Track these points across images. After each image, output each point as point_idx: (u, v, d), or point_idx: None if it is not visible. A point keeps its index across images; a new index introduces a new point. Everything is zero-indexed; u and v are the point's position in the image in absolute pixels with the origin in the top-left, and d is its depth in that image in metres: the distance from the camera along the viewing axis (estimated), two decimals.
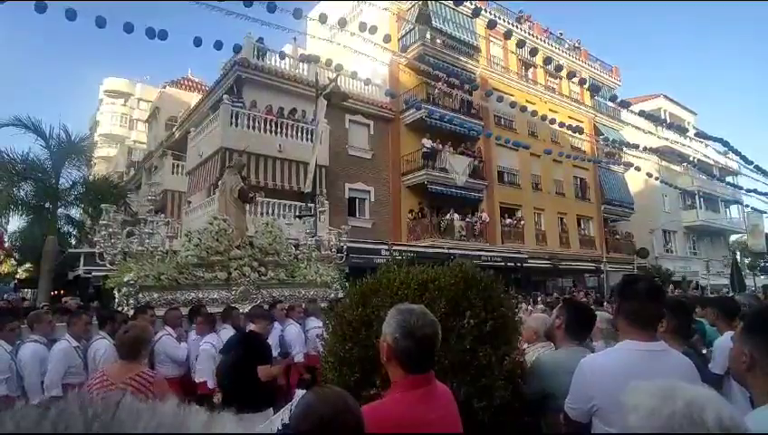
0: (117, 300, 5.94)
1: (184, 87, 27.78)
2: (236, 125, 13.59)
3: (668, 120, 19.78)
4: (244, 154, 7.86)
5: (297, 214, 12.00)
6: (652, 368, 1.71)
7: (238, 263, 6.34)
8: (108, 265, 6.25)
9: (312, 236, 8.07)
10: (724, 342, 2.86)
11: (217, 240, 6.19)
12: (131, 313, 5.30)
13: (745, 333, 1.47)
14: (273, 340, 5.55)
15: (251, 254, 6.49)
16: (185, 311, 5.58)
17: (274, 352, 5.50)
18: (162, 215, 9.68)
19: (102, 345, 4.37)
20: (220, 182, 7.28)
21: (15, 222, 18.50)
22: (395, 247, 14.34)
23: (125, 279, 5.59)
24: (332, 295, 6.48)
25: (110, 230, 6.43)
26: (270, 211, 12.99)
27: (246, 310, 5.87)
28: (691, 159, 22.26)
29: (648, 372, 1.64)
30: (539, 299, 12.90)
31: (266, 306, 6.08)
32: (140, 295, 5.64)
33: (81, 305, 8.54)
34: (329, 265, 7.62)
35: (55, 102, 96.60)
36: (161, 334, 5.05)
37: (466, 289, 2.70)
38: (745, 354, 1.40)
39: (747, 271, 33.40)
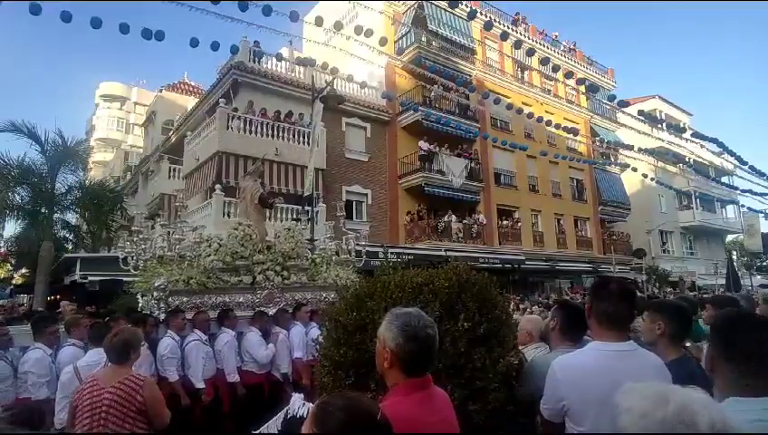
0: (141, 304, 6.06)
1: (180, 91, 27.77)
2: (233, 129, 13.58)
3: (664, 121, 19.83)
4: (266, 162, 7.86)
5: (294, 217, 11.96)
6: (620, 368, 1.72)
7: (262, 267, 6.47)
8: (132, 269, 6.33)
9: (332, 240, 8.11)
10: None
11: (242, 245, 6.32)
12: (162, 317, 5.41)
13: (711, 337, 1.51)
14: (298, 342, 5.71)
15: (272, 258, 6.59)
16: (212, 314, 5.72)
17: (300, 354, 5.69)
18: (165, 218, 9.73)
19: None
20: (240, 188, 7.32)
21: (11, 227, 18.52)
22: (392, 250, 14.32)
23: (156, 284, 5.66)
24: None
25: (141, 235, 6.55)
26: (271, 215, 12.95)
27: (272, 312, 6.06)
28: (687, 159, 22.32)
29: (616, 372, 1.66)
30: (538, 299, 12.92)
31: (290, 309, 6.26)
32: (170, 299, 5.73)
33: (95, 313, 8.42)
34: (347, 267, 7.70)
35: (51, 107, 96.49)
36: (190, 339, 5.02)
37: (460, 292, 2.70)
38: (710, 358, 1.43)
39: (744, 270, 33.53)
